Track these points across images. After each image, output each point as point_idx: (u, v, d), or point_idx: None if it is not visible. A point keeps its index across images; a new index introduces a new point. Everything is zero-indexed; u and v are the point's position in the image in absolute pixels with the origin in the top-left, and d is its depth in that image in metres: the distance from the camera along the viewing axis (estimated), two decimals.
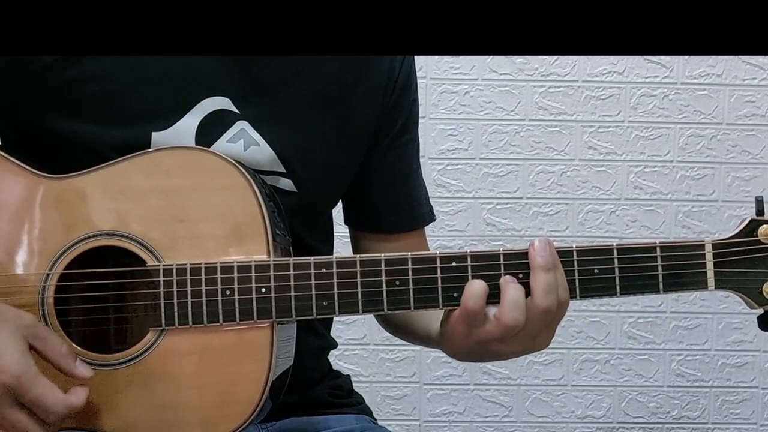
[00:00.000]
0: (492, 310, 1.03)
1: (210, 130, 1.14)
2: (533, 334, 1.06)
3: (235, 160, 1.08)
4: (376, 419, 1.35)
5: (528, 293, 1.03)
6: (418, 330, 1.27)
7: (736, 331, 2.63)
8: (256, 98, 1.16)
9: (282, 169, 1.17)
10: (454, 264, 1.05)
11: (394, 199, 1.32)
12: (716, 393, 2.65)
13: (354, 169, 1.27)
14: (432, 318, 1.18)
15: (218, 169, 1.07)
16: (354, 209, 1.34)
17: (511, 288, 1.03)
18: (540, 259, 1.03)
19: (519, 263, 1.05)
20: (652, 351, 2.62)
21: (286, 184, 1.18)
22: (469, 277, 1.05)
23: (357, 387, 1.40)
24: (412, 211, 1.34)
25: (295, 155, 1.18)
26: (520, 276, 1.05)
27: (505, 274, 1.04)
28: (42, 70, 1.12)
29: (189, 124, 1.13)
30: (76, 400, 0.99)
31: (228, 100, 1.15)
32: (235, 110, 1.15)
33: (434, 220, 1.38)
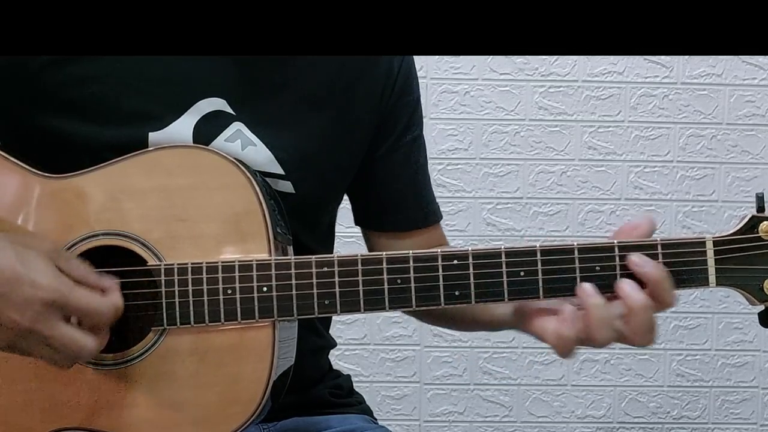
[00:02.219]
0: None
1: (206, 131, 1.14)
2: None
3: (235, 158, 1.08)
4: (376, 419, 1.35)
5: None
6: (481, 317, 1.25)
7: (736, 331, 2.63)
8: (253, 100, 1.16)
9: (280, 171, 1.17)
10: (455, 262, 1.05)
11: (402, 198, 1.32)
12: (716, 393, 2.65)
13: (353, 170, 1.27)
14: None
15: (219, 167, 1.07)
16: (363, 210, 1.34)
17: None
18: (637, 302, 1.02)
19: (521, 261, 1.05)
20: (652, 351, 2.62)
21: (284, 186, 1.18)
22: (471, 275, 1.05)
23: (357, 387, 1.40)
24: (421, 209, 1.34)
25: (292, 157, 1.18)
26: (522, 273, 1.05)
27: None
28: (38, 70, 1.12)
29: (185, 124, 1.13)
30: (117, 298, 1.00)
31: (224, 101, 1.15)
32: (231, 112, 1.15)
33: (442, 218, 1.38)
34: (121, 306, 1.00)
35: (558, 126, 2.58)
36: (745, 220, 1.05)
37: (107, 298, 0.99)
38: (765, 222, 1.04)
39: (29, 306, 0.94)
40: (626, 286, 1.02)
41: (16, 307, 0.94)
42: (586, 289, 1.02)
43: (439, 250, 1.05)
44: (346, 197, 1.33)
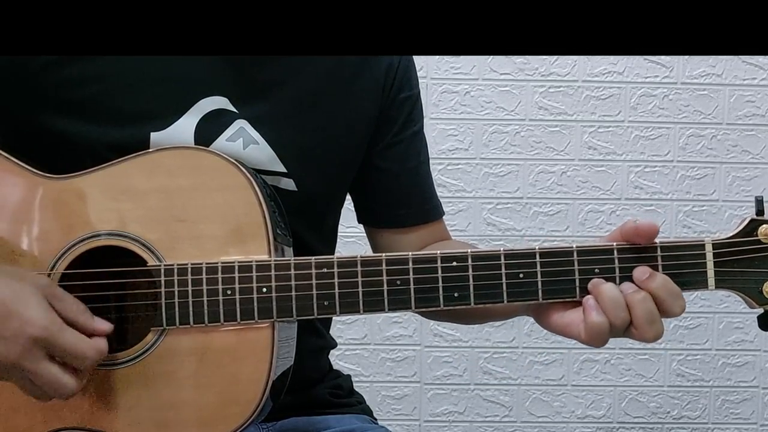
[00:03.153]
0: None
1: (208, 130, 1.14)
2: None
3: (235, 159, 1.08)
4: (376, 419, 1.35)
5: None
6: (494, 309, 1.24)
7: (736, 331, 2.63)
8: (255, 97, 1.16)
9: (282, 169, 1.17)
10: (454, 264, 1.05)
11: (403, 193, 1.32)
12: (716, 393, 2.65)
13: (356, 166, 1.27)
14: None
15: (219, 168, 1.07)
16: (365, 206, 1.34)
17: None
18: (635, 296, 1.03)
19: (520, 263, 1.05)
20: (652, 351, 2.62)
21: (287, 183, 1.18)
22: (470, 277, 1.05)
23: (357, 387, 1.40)
24: (423, 204, 1.34)
25: (294, 154, 1.18)
26: (521, 275, 1.05)
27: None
28: (40, 70, 1.12)
29: (187, 123, 1.13)
30: (103, 345, 1.00)
31: (226, 99, 1.15)
32: (234, 110, 1.15)
33: (443, 214, 1.38)
34: (105, 351, 1.01)
35: (558, 126, 2.58)
36: (745, 223, 1.05)
37: (93, 342, 1.00)
38: (764, 225, 1.04)
39: (17, 341, 0.95)
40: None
41: (4, 340, 0.95)
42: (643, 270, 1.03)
43: (438, 252, 1.05)
44: (347, 197, 1.33)
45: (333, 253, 1.32)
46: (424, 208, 1.34)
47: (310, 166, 1.20)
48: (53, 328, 0.97)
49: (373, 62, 1.24)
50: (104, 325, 1.02)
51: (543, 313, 1.09)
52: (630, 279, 1.04)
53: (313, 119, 1.20)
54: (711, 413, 2.65)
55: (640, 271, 1.03)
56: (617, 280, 1.04)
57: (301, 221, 1.19)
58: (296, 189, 1.19)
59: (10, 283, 0.97)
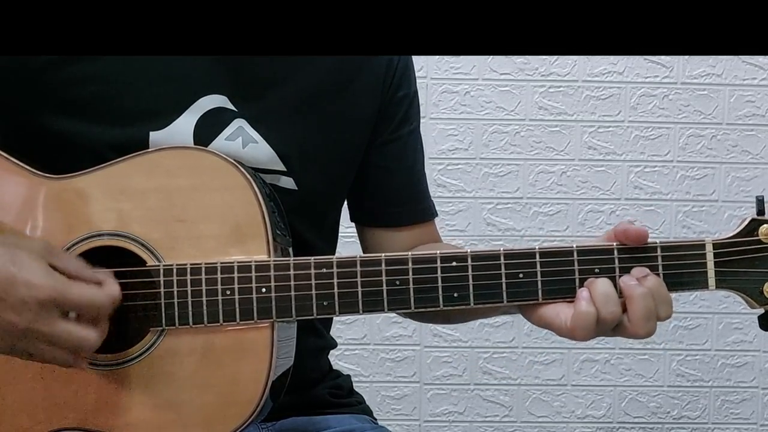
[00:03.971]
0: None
1: (208, 129, 1.14)
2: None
3: (234, 159, 1.08)
4: (376, 419, 1.35)
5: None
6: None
7: (736, 331, 2.63)
8: (254, 96, 1.16)
9: (282, 168, 1.17)
10: (454, 264, 1.05)
11: (397, 192, 1.32)
12: (716, 393, 2.65)
13: (356, 164, 1.27)
14: None
15: (218, 169, 1.07)
16: (358, 205, 1.34)
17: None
18: (635, 291, 1.03)
19: (519, 263, 1.05)
20: (652, 351, 2.62)
21: (287, 182, 1.18)
22: (470, 277, 1.05)
23: (357, 387, 1.40)
24: (417, 203, 1.34)
25: (294, 152, 1.18)
26: (521, 275, 1.05)
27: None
28: (39, 70, 1.12)
29: (186, 122, 1.13)
30: (114, 289, 1.00)
31: (225, 97, 1.15)
32: (233, 108, 1.15)
33: (437, 215, 1.38)
34: (118, 296, 1.00)
35: (558, 126, 2.58)
36: (745, 222, 1.05)
37: (104, 289, 0.99)
38: (765, 225, 1.04)
39: (26, 306, 0.94)
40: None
41: (13, 308, 0.94)
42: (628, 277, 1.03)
43: (438, 252, 1.05)
44: None
45: (334, 251, 1.32)
46: (417, 208, 1.34)
47: (309, 164, 1.20)
48: (60, 286, 0.96)
49: (373, 60, 1.25)
50: (107, 275, 1.01)
51: (531, 307, 1.08)
52: None
53: (313, 117, 1.20)
54: (711, 413, 2.65)
55: (638, 271, 1.03)
56: (617, 280, 1.04)
57: (302, 220, 1.19)
58: (296, 188, 1.19)
59: (7, 249, 0.96)
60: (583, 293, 1.03)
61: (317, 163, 1.21)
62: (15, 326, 0.95)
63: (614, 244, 1.05)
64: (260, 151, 1.16)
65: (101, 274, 1.01)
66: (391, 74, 1.26)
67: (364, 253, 1.32)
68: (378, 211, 1.33)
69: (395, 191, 1.32)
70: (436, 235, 1.36)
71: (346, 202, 1.34)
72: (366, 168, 1.29)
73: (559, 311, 1.05)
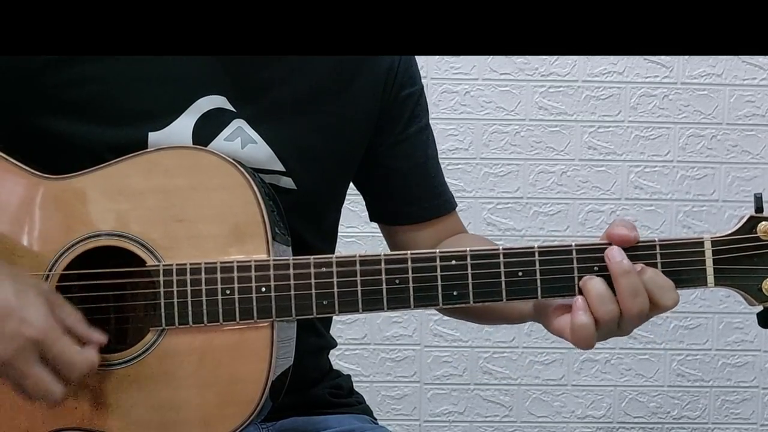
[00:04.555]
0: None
1: (207, 129, 1.14)
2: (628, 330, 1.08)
3: (233, 159, 1.08)
4: (376, 419, 1.35)
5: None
6: (510, 313, 1.23)
7: (736, 331, 2.63)
8: (253, 96, 1.16)
9: (281, 168, 1.17)
10: (453, 262, 1.05)
11: (413, 190, 1.32)
12: (716, 393, 2.65)
13: (355, 164, 1.27)
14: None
15: (217, 168, 1.07)
16: (377, 205, 1.35)
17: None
18: (618, 265, 1.03)
19: (519, 261, 1.05)
20: (652, 351, 2.62)
21: (286, 182, 1.18)
22: (469, 276, 1.05)
23: (357, 387, 1.40)
24: (433, 198, 1.34)
25: (293, 153, 1.18)
26: (520, 274, 1.05)
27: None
28: (38, 70, 1.12)
29: (185, 123, 1.13)
30: (95, 357, 1.00)
31: (224, 98, 1.15)
32: (232, 109, 1.15)
33: (456, 206, 1.38)
34: (95, 365, 1.01)
35: (558, 126, 2.58)
36: (744, 220, 1.05)
37: (86, 354, 1.00)
38: (763, 222, 1.04)
39: (13, 340, 0.95)
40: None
41: (1, 338, 0.95)
42: (615, 253, 1.03)
43: (437, 251, 1.05)
44: (351, 196, 1.33)
45: (333, 252, 1.32)
46: (434, 203, 1.34)
47: (308, 164, 1.20)
48: (51, 333, 0.97)
49: (373, 61, 1.24)
50: (100, 337, 1.02)
51: (546, 318, 1.10)
52: None
53: (312, 118, 1.20)
54: (711, 413, 2.65)
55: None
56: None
57: (301, 220, 1.19)
58: (295, 187, 1.19)
59: (13, 283, 0.98)
60: (578, 302, 1.03)
61: (316, 164, 1.21)
62: None
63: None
64: (259, 151, 1.16)
65: (94, 334, 1.01)
66: (393, 74, 1.26)
67: (391, 251, 1.33)
68: (397, 211, 1.33)
69: (411, 190, 1.32)
70: (459, 226, 1.37)
71: (360, 203, 1.34)
72: (380, 169, 1.29)
73: (564, 325, 1.07)
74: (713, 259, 1.04)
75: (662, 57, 2.57)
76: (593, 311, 1.03)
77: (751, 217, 1.05)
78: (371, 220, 1.36)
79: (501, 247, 1.05)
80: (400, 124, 1.28)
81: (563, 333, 1.07)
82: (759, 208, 1.05)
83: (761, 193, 1.06)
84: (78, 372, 0.99)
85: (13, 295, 0.96)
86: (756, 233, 1.04)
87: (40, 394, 0.98)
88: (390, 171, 1.30)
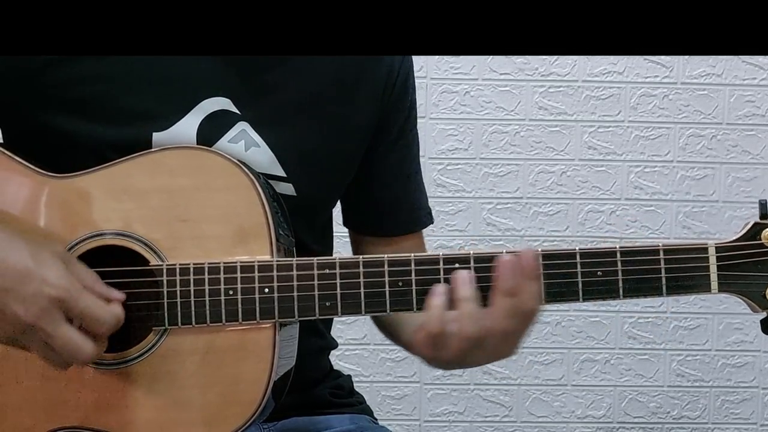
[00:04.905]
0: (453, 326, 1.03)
1: (211, 131, 1.14)
2: (496, 347, 1.06)
3: (238, 159, 1.08)
4: (376, 419, 1.36)
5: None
6: (402, 337, 1.26)
7: (736, 332, 2.63)
8: (257, 99, 1.16)
9: (281, 173, 1.17)
10: (457, 266, 1.05)
11: (392, 203, 1.32)
12: (716, 393, 2.65)
13: (352, 171, 1.27)
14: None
15: (222, 168, 1.07)
16: (353, 212, 1.34)
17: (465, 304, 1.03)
18: (504, 284, 1.03)
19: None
20: (652, 351, 2.62)
21: (285, 188, 1.18)
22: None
23: (358, 387, 1.41)
24: (410, 213, 1.33)
25: (293, 157, 1.18)
26: None
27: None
28: (42, 69, 1.12)
29: (190, 124, 1.13)
30: (119, 311, 1.00)
31: (228, 100, 1.15)
32: (236, 111, 1.15)
33: (432, 223, 1.37)
34: (122, 318, 1.01)
35: (558, 126, 2.58)
36: (748, 226, 1.05)
37: (111, 307, 1.00)
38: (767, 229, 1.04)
39: (36, 301, 0.95)
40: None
41: (23, 301, 0.95)
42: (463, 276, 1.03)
43: (441, 253, 1.05)
44: None
45: (330, 249, 1.32)
46: (410, 219, 1.33)
47: (309, 170, 1.19)
48: (73, 290, 0.96)
49: (376, 66, 1.24)
50: (119, 294, 1.02)
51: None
52: (629, 281, 1.04)
53: (314, 123, 1.20)
54: (711, 413, 2.65)
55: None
56: (620, 283, 1.04)
57: (299, 225, 1.18)
58: (295, 194, 1.18)
59: (29, 245, 0.97)
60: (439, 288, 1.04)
61: (316, 169, 1.20)
62: (20, 319, 0.95)
63: (617, 246, 1.05)
64: (262, 155, 1.15)
65: (113, 292, 1.01)
66: (392, 81, 1.25)
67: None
68: (371, 221, 1.33)
69: (389, 202, 1.31)
70: (421, 247, 1.35)
71: (339, 205, 1.34)
72: (363, 177, 1.28)
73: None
74: (717, 266, 1.04)
75: (662, 57, 2.57)
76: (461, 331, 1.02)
77: (755, 224, 1.05)
78: (344, 224, 1.35)
79: (505, 251, 1.05)
80: (391, 134, 1.28)
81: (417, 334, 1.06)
82: (764, 215, 1.04)
83: (766, 200, 1.05)
84: (106, 326, 0.99)
85: (30, 257, 0.96)
86: (760, 240, 1.04)
87: (70, 354, 0.97)
88: (374, 180, 1.29)
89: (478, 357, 1.06)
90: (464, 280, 1.03)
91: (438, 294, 1.03)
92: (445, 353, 1.05)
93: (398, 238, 1.32)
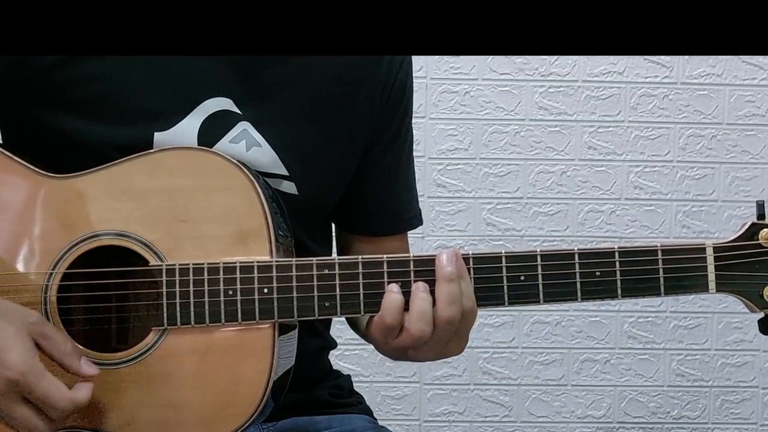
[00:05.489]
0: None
1: (212, 131, 1.14)
2: (443, 341, 1.07)
3: (238, 161, 1.08)
4: (376, 419, 1.36)
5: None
6: (360, 325, 1.27)
7: (736, 331, 2.63)
8: (258, 99, 1.16)
9: (284, 172, 1.17)
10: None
11: (383, 203, 1.31)
12: (716, 393, 2.65)
13: (351, 171, 1.27)
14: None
15: (221, 169, 1.07)
16: (343, 210, 1.33)
17: (418, 299, 1.05)
18: (443, 271, 1.04)
19: (521, 265, 1.05)
20: (652, 351, 2.62)
21: (288, 187, 1.18)
22: (471, 279, 1.05)
23: (357, 387, 1.41)
24: (399, 215, 1.33)
25: (296, 157, 1.18)
26: (522, 278, 1.05)
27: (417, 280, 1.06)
28: (44, 69, 1.12)
29: (191, 124, 1.13)
30: (81, 396, 0.99)
31: (230, 101, 1.15)
32: (237, 111, 1.15)
33: (421, 224, 1.37)
34: (83, 403, 1.00)
35: (558, 126, 2.58)
36: (746, 227, 1.05)
37: (71, 393, 0.99)
38: (765, 229, 1.04)
39: None
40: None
41: None
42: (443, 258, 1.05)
43: (440, 253, 1.05)
44: None
45: (330, 251, 1.32)
46: (398, 220, 1.33)
47: (311, 170, 1.20)
48: (30, 374, 0.96)
49: (376, 67, 1.24)
50: (90, 369, 1.01)
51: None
52: (627, 281, 1.04)
53: (316, 123, 1.20)
54: (711, 413, 2.65)
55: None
56: (618, 283, 1.04)
57: (300, 224, 1.19)
58: (297, 192, 1.19)
59: None
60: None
61: (318, 169, 1.20)
62: None
63: (615, 246, 1.05)
64: (264, 154, 1.16)
65: (85, 366, 1.01)
66: (390, 84, 1.25)
67: (338, 253, 1.33)
68: (360, 220, 1.32)
69: (380, 203, 1.31)
70: (404, 248, 1.36)
71: None
72: (357, 177, 1.28)
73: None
74: (715, 266, 1.05)
75: (662, 57, 2.57)
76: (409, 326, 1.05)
77: (753, 224, 1.05)
78: (332, 221, 1.35)
79: (503, 251, 1.05)
80: (387, 135, 1.28)
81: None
82: (761, 215, 1.05)
83: (763, 201, 1.06)
84: (59, 412, 0.98)
85: None
86: (758, 240, 1.04)
87: (27, 430, 0.98)
88: (367, 180, 1.28)
89: (424, 353, 1.09)
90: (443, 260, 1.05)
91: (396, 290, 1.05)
92: (393, 344, 1.08)
93: (384, 238, 1.32)
